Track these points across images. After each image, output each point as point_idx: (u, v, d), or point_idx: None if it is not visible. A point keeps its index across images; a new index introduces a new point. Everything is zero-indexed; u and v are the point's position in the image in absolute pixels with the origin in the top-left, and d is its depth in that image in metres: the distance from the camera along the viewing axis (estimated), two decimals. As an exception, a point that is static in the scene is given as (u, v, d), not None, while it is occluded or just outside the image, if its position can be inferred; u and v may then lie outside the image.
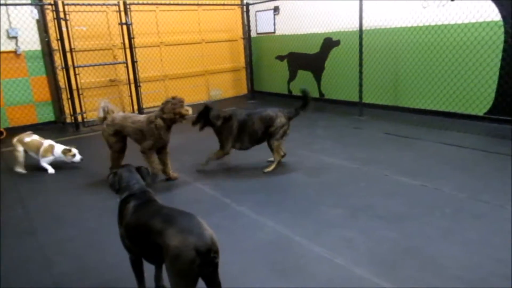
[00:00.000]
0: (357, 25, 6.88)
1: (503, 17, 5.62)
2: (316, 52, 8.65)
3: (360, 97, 7.16)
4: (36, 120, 7.82)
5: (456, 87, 6.30)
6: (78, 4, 7.15)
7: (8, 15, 7.22)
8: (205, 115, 4.71)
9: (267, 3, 9.37)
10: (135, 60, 7.81)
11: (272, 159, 4.86)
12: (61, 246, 3.27)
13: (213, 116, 4.64)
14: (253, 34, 9.94)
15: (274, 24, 9.69)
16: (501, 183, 3.91)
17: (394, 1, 6.87)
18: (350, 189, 4.08)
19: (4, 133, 7.05)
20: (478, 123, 6.04)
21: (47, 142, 5.16)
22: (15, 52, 7.37)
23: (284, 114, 4.81)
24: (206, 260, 1.93)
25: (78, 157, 5.13)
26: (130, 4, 7.56)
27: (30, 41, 7.50)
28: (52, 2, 6.83)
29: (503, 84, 5.77)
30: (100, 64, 8.07)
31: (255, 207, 3.78)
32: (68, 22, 7.18)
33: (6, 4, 6.86)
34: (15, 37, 7.32)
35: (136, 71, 7.91)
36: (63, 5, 6.95)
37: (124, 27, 7.62)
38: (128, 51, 7.74)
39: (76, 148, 5.22)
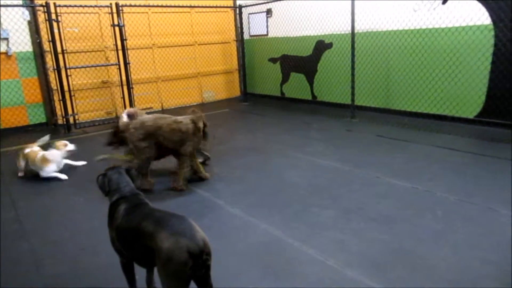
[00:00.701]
0: (349, 28, 6.93)
1: (493, 21, 5.69)
2: (308, 54, 8.69)
3: (352, 100, 7.20)
4: (28, 122, 7.76)
5: (447, 90, 6.37)
6: (70, 6, 7.11)
7: (-1, 16, 7.17)
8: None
9: (259, 6, 9.40)
10: (127, 61, 7.79)
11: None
12: (52, 248, 3.25)
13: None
14: (246, 36, 9.96)
15: (267, 27, 9.71)
16: (491, 185, 3.96)
17: (385, 5, 6.93)
18: (342, 191, 4.10)
19: (-5, 135, 6.98)
20: (468, 126, 6.11)
21: (41, 153, 4.86)
22: (6, 53, 7.31)
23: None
24: (199, 262, 1.93)
25: (71, 146, 4.95)
26: (122, 6, 7.53)
27: (22, 43, 7.44)
28: (44, 4, 6.79)
29: (493, 87, 5.84)
30: (92, 66, 8.03)
31: (247, 209, 3.78)
32: (60, 24, 7.14)
33: (-3, 5, 6.81)
34: (6, 39, 7.26)
35: (129, 73, 7.88)
36: (55, 6, 6.90)
37: (117, 28, 7.60)
38: (120, 52, 7.72)
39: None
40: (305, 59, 8.81)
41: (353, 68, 7.02)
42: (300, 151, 5.51)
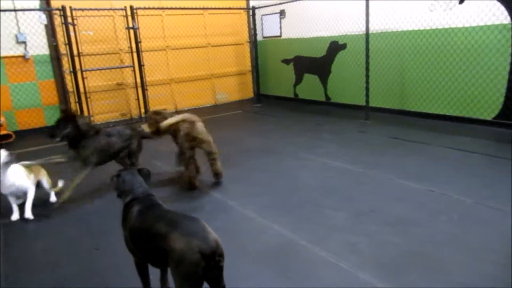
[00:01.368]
0: (364, 29, 6.87)
1: None
2: (322, 55, 8.65)
3: (367, 101, 7.13)
4: (44, 123, 7.90)
5: (464, 91, 6.26)
6: (85, 9, 7.22)
7: (17, 21, 7.32)
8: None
9: (273, 7, 9.40)
10: (141, 63, 7.87)
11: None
12: (65, 247, 3.30)
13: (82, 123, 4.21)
14: (259, 37, 9.96)
15: (280, 28, 9.70)
16: (508, 189, 3.87)
17: (400, 5, 6.85)
18: (354, 193, 4.06)
19: (13, 136, 7.12)
20: (486, 128, 5.99)
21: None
22: (23, 56, 7.46)
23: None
24: (211, 263, 1.94)
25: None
26: (136, 8, 7.62)
27: (38, 46, 7.59)
28: (60, 7, 6.91)
29: None
30: (107, 68, 8.15)
31: (260, 210, 3.77)
32: (76, 27, 7.25)
33: (15, 10, 6.95)
34: (24, 42, 7.42)
35: (143, 75, 7.96)
36: (71, 10, 7.02)
37: (131, 31, 7.69)
38: (134, 55, 7.81)
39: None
40: (318, 60, 8.77)
41: (367, 69, 6.96)
42: (313, 152, 5.48)
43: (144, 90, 8.04)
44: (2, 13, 7.01)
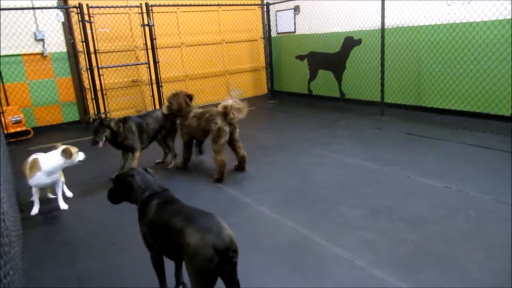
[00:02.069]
0: (379, 24, 6.79)
1: (532, 14, 5.45)
2: (337, 51, 8.58)
3: (382, 97, 7.06)
4: (62, 120, 8.04)
5: (481, 86, 6.14)
6: (101, 7, 7.31)
7: (35, 19, 7.45)
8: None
9: (287, 3, 9.35)
10: (156, 60, 7.92)
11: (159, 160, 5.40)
12: (85, 242, 3.36)
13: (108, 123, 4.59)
14: (273, 34, 9.93)
15: (295, 24, 9.66)
16: (528, 185, 3.80)
17: (417, -1, 6.75)
18: (370, 190, 4.03)
19: (32, 133, 7.27)
20: (504, 124, 5.87)
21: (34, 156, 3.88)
22: (42, 54, 7.60)
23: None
24: (225, 259, 1.96)
25: (81, 155, 4.01)
26: (152, 5, 7.67)
27: (56, 43, 7.72)
28: (77, 5, 7.00)
29: (531, 83, 5.59)
30: (123, 65, 8.23)
31: (274, 207, 3.78)
32: (92, 24, 7.35)
33: (33, 8, 7.07)
34: (42, 40, 7.55)
35: (158, 72, 8.02)
36: (88, 8, 7.10)
37: (146, 28, 7.74)
38: (150, 52, 7.87)
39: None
40: (333, 56, 8.70)
41: (382, 64, 6.88)
42: (327, 149, 5.46)
43: (159, 87, 8.10)
44: (21, 11, 7.15)
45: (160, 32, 8.45)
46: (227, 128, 4.51)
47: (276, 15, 10.07)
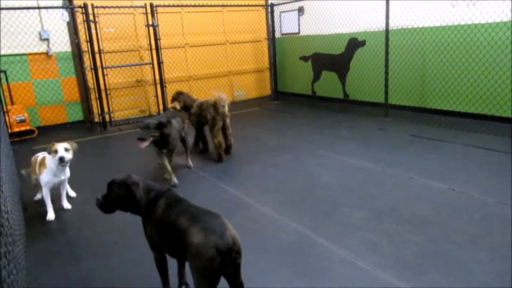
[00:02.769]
0: (383, 25, 6.78)
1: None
2: (341, 52, 8.57)
3: (386, 98, 7.04)
4: (66, 119, 8.06)
5: (486, 88, 6.11)
6: (106, 7, 7.33)
7: (41, 18, 7.48)
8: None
9: (291, 4, 9.35)
10: (161, 61, 7.94)
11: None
12: (88, 242, 3.37)
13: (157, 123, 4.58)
14: (277, 34, 9.94)
15: (299, 25, 9.65)
16: (533, 188, 3.78)
17: (422, 0, 6.73)
18: (373, 191, 4.02)
19: (36, 132, 7.29)
20: (509, 126, 5.84)
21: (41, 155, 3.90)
22: (46, 53, 7.63)
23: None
24: (227, 259, 1.95)
25: (62, 152, 3.59)
26: (156, 6, 7.69)
27: (61, 43, 7.74)
28: (82, 5, 7.03)
29: (537, 85, 5.56)
30: (127, 65, 8.25)
31: (277, 208, 3.78)
32: (97, 24, 7.38)
33: (39, 8, 7.10)
34: (47, 39, 7.58)
35: (162, 72, 8.04)
36: (92, 7, 7.13)
37: (151, 28, 7.76)
38: (154, 52, 7.88)
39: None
40: (337, 57, 8.69)
41: (386, 66, 6.87)
42: (331, 150, 5.45)
43: (163, 87, 8.12)
44: (26, 11, 7.18)
45: (165, 32, 8.47)
46: (218, 117, 5.20)
47: (280, 16, 10.07)
